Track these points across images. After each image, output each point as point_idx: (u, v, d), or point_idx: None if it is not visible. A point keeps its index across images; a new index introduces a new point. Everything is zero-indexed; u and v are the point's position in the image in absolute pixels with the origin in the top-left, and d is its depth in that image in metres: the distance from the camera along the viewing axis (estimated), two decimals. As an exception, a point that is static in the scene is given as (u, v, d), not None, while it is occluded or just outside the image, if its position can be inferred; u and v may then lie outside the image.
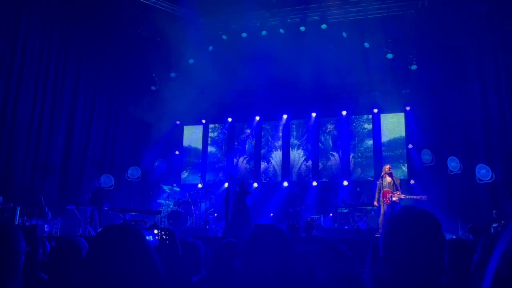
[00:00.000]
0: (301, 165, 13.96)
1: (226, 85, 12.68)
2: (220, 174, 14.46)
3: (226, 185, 12.47)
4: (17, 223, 8.57)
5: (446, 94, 11.82)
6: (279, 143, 14.34)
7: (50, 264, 3.04)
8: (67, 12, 12.15)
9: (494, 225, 9.05)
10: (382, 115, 13.44)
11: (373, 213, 10.59)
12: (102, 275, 1.43)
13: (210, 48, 13.15)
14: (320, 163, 13.76)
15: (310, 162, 13.85)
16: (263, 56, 12.22)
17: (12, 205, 8.94)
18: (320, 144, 13.93)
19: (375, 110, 13.40)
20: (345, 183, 12.89)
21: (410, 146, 12.66)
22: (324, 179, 13.53)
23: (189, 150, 14.96)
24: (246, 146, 14.61)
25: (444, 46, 11.54)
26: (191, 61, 13.14)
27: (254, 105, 13.83)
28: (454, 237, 8.18)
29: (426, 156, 11.76)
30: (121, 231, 1.54)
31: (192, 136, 15.06)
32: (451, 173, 11.16)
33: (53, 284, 2.85)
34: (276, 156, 14.25)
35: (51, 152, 11.80)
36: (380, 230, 8.83)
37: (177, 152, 14.64)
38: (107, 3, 11.97)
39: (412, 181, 12.08)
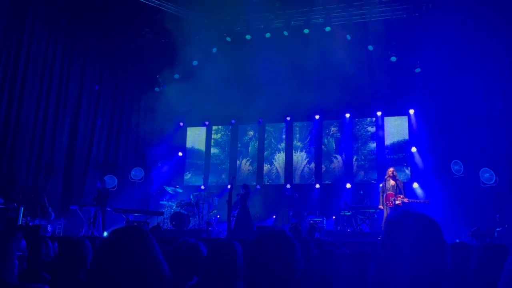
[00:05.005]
0: (304, 167, 13.94)
1: (229, 87, 12.68)
2: (223, 176, 14.46)
3: (229, 187, 12.47)
4: (20, 223, 8.59)
5: (450, 97, 11.79)
6: (282, 145, 14.33)
7: (57, 263, 3.05)
8: (71, 14, 12.20)
9: (497, 229, 9.00)
10: (385, 118, 13.42)
11: (376, 216, 10.57)
12: (111, 275, 1.45)
13: (214, 50, 13.18)
14: (323, 166, 13.74)
15: (313, 165, 13.83)
16: (266, 58, 12.21)
17: (15, 205, 8.98)
18: (323, 147, 13.91)
19: (379, 113, 13.38)
20: (348, 186, 12.85)
21: (414, 149, 12.62)
22: (327, 182, 13.50)
23: (192, 151, 14.97)
24: (249, 148, 14.61)
25: (448, 49, 11.50)
26: (195, 62, 13.16)
27: (257, 107, 13.80)
28: (458, 241, 8.14)
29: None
30: (130, 233, 1.56)
31: (195, 137, 15.07)
32: (455, 176, 11.12)
33: (59, 284, 2.86)
34: (279, 158, 14.23)
35: (55, 152, 11.83)
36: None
37: (180, 154, 14.64)
38: (112, 5, 12.02)
39: (415, 184, 12.04)
